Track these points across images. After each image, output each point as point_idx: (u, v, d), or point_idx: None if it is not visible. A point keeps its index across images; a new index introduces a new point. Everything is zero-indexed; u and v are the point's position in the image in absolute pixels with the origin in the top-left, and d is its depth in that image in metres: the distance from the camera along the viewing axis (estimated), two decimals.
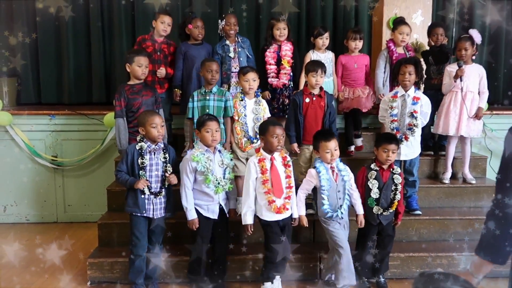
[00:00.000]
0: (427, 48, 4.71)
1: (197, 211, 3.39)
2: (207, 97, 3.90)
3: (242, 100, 3.88)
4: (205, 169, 3.31)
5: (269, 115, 4.00)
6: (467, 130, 4.28)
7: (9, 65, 5.28)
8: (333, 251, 3.44)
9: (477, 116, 4.29)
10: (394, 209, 3.47)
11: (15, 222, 5.04)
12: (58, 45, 5.43)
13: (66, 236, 4.66)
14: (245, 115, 3.85)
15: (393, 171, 3.49)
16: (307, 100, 3.86)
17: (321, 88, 3.89)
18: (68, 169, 5.01)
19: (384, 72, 4.53)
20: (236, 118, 3.86)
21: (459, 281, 1.27)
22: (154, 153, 3.37)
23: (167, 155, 3.41)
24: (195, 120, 3.84)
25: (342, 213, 3.41)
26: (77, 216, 5.04)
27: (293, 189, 3.41)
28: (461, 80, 4.18)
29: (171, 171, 3.40)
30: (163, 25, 4.31)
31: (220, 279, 3.49)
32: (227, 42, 4.46)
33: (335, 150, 3.39)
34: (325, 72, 3.87)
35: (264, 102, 3.99)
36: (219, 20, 4.52)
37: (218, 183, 3.35)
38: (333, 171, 3.42)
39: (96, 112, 4.97)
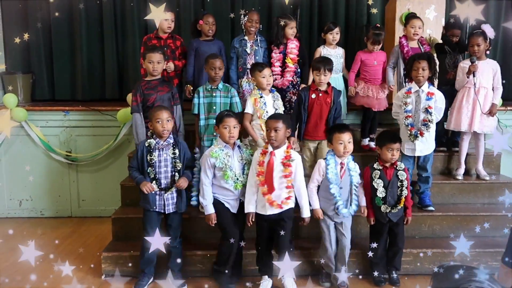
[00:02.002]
0: (440, 41, 4.67)
1: (221, 203, 3.41)
2: (214, 94, 3.91)
3: (261, 97, 3.87)
4: (224, 165, 3.33)
5: (283, 108, 4.02)
6: (480, 126, 4.25)
7: (23, 62, 5.36)
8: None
9: (491, 112, 4.27)
10: (402, 205, 3.48)
11: (30, 216, 5.11)
12: (71, 42, 5.47)
13: (81, 230, 4.74)
14: (267, 112, 3.83)
15: (397, 167, 3.49)
16: (313, 96, 3.86)
17: (328, 84, 3.89)
18: (82, 164, 5.07)
19: (396, 68, 4.51)
20: (258, 115, 3.84)
21: (475, 271, 1.27)
22: (163, 149, 3.41)
23: (176, 151, 3.44)
24: (201, 117, 3.91)
25: (349, 211, 3.43)
26: (91, 211, 5.10)
27: (303, 189, 3.38)
28: (474, 76, 4.15)
29: (180, 167, 3.43)
30: (167, 22, 4.34)
31: (236, 275, 3.50)
32: (246, 37, 4.45)
33: (349, 143, 3.39)
34: (329, 70, 3.82)
35: (279, 96, 4.01)
36: (242, 16, 4.50)
37: (237, 179, 3.37)
38: (342, 167, 3.42)
39: (110, 108, 5.01)
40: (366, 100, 4.51)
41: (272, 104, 3.90)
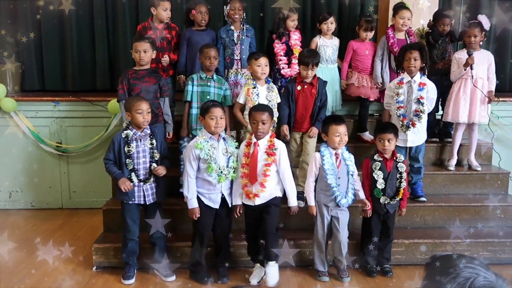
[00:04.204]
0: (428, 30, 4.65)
1: (198, 199, 3.35)
2: (209, 84, 3.89)
3: (254, 87, 3.84)
4: (208, 157, 3.27)
5: (279, 100, 3.98)
6: (478, 117, 4.26)
7: (13, 52, 5.28)
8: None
9: (490, 99, 4.27)
10: (400, 197, 3.50)
11: (20, 208, 5.06)
12: (61, 32, 5.38)
13: (72, 221, 4.70)
14: (259, 103, 3.79)
15: (397, 159, 3.50)
16: (299, 87, 3.85)
17: (314, 76, 3.86)
18: (73, 155, 5.02)
19: (382, 59, 4.50)
20: (250, 106, 3.79)
21: (472, 260, 1.26)
22: (141, 140, 3.38)
23: (154, 141, 3.42)
24: (193, 105, 3.87)
25: (348, 201, 3.41)
26: (82, 203, 5.06)
27: (288, 178, 3.37)
28: (471, 69, 4.14)
29: (158, 157, 3.41)
30: (166, 12, 4.29)
31: (223, 267, 3.48)
32: (232, 27, 4.42)
33: (345, 135, 3.40)
34: (316, 64, 3.79)
35: (275, 88, 3.97)
36: (224, 6, 4.48)
37: (221, 172, 3.30)
38: (337, 157, 3.41)
39: (100, 98, 4.95)
40: (362, 90, 4.50)
41: (265, 95, 3.86)
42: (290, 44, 4.38)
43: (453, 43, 4.60)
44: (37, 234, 4.31)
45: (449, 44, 4.53)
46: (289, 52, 4.39)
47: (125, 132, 3.38)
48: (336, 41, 4.58)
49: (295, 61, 4.33)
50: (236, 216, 3.41)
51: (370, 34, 4.48)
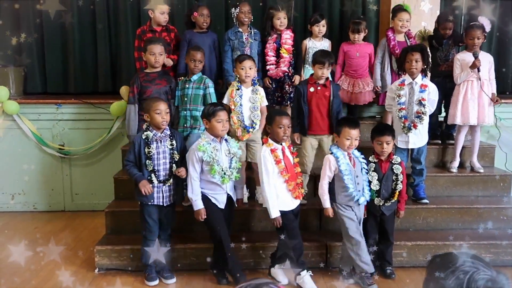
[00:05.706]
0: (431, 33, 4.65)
1: (208, 199, 3.36)
2: (187, 85, 3.91)
3: (238, 89, 3.83)
4: (211, 159, 3.29)
5: (266, 103, 3.97)
6: (487, 119, 4.26)
7: (15, 55, 5.30)
8: (346, 241, 3.43)
9: (497, 100, 4.28)
10: (395, 199, 3.48)
11: (23, 210, 5.07)
12: (63, 34, 5.39)
13: (74, 224, 4.71)
14: (241, 105, 3.79)
15: (393, 161, 3.49)
16: (312, 89, 3.83)
17: (327, 78, 3.86)
18: (75, 158, 5.03)
19: (382, 62, 4.50)
20: (232, 107, 3.79)
21: (472, 255, 1.26)
22: (161, 141, 3.38)
23: (174, 142, 3.42)
24: (179, 108, 3.93)
25: (366, 198, 3.39)
26: (84, 205, 5.07)
27: (301, 176, 3.47)
28: (478, 71, 4.14)
29: (177, 158, 3.42)
30: (164, 15, 4.32)
31: (221, 268, 3.46)
32: (240, 29, 4.41)
33: (356, 139, 3.36)
34: (331, 64, 3.82)
35: (261, 90, 3.93)
36: (233, 8, 4.47)
37: (224, 173, 3.32)
38: (350, 157, 3.40)
39: (103, 101, 4.97)
40: (356, 96, 4.51)
41: (248, 97, 3.83)
42: (281, 43, 4.38)
43: (456, 46, 4.59)
44: (40, 236, 4.32)
45: (452, 47, 4.52)
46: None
47: (145, 133, 3.38)
48: (326, 43, 4.57)
49: (282, 59, 4.34)
50: (278, 226, 3.32)
51: (359, 36, 4.47)
